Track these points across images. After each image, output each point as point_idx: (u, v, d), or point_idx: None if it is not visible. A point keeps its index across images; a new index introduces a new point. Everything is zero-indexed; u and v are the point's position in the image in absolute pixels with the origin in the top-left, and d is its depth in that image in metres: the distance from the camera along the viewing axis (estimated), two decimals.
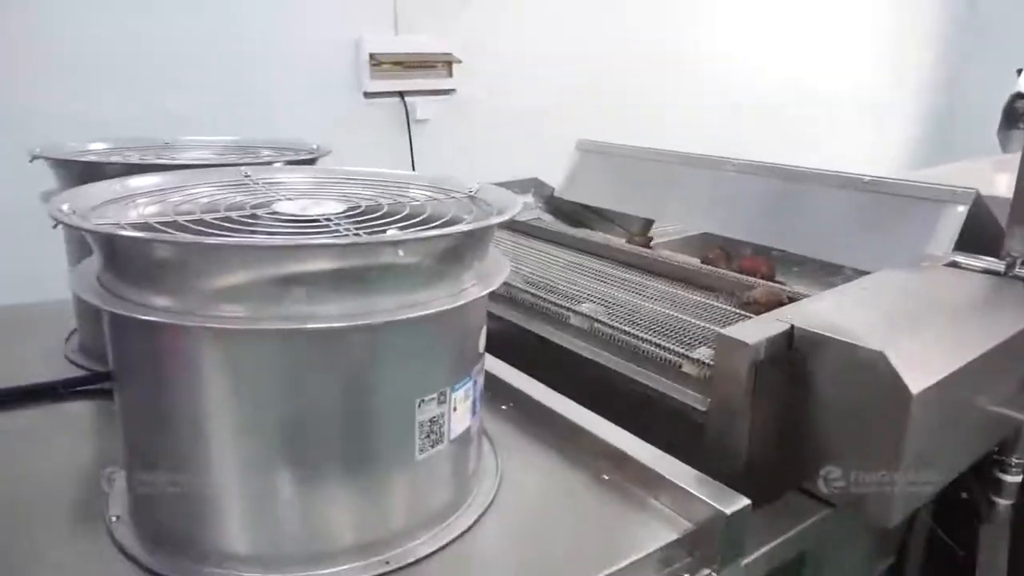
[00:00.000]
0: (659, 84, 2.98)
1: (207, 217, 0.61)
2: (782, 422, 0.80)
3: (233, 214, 0.63)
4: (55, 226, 0.58)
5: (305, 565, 0.60)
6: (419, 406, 0.60)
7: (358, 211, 0.66)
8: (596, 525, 0.71)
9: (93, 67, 1.80)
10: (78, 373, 0.96)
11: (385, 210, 0.66)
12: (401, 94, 2.57)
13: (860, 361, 0.72)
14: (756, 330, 0.77)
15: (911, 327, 0.79)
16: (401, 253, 0.53)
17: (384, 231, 0.59)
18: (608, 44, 2.87)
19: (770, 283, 1.13)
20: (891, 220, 1.19)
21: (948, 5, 4.04)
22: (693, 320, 1.00)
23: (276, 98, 2.19)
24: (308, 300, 0.55)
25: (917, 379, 0.70)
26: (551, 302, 1.09)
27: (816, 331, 0.76)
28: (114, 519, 0.66)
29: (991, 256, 1.00)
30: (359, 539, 0.61)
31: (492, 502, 0.71)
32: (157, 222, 0.59)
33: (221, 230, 0.58)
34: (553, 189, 1.75)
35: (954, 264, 1.01)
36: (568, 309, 1.06)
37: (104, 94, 1.81)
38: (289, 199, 0.71)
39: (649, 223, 1.70)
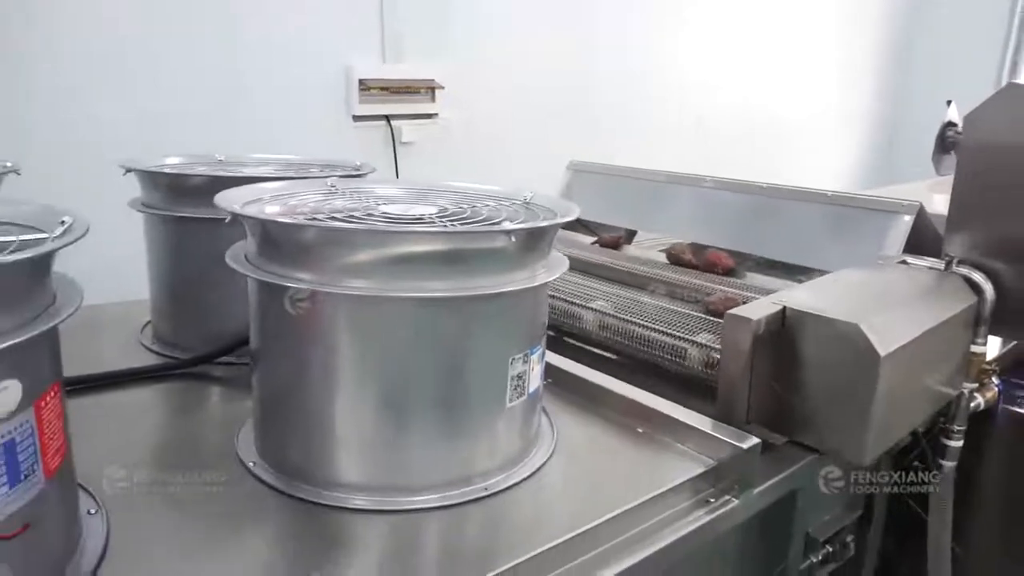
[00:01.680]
0: (635, 107, 3.22)
1: (336, 215, 0.77)
2: (776, 385, 0.98)
3: (354, 213, 0.78)
4: (228, 220, 0.73)
5: (420, 492, 0.75)
6: (511, 362, 0.77)
7: (448, 213, 0.82)
8: (636, 465, 0.88)
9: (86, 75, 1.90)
10: (154, 359, 1.10)
11: (468, 212, 0.83)
12: (387, 118, 2.73)
13: (839, 332, 0.92)
14: (756, 310, 0.96)
15: (876, 307, 0.98)
16: (513, 239, 0.70)
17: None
18: (585, 70, 3.09)
19: (727, 289, 1.30)
20: (849, 228, 1.41)
21: (889, 43, 4.43)
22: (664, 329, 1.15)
23: (271, 120, 2.31)
24: (422, 276, 0.71)
25: (884, 344, 0.90)
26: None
27: (804, 310, 0.95)
28: (252, 464, 0.80)
29: (932, 257, 1.22)
30: (463, 472, 0.77)
31: (553, 451, 0.88)
32: (300, 216, 0.75)
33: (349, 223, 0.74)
34: None
35: (904, 263, 1.23)
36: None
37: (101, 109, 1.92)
38: (384, 204, 0.86)
39: (633, 233, 1.90)
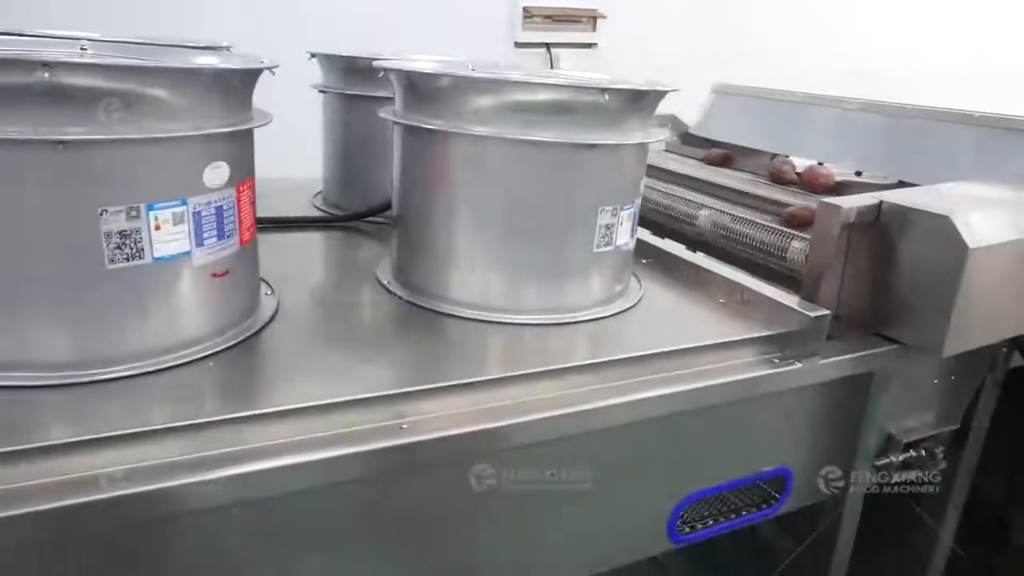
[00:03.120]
0: (792, 48, 3.09)
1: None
2: (865, 277, 1.02)
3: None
4: (381, 74, 0.91)
5: (518, 313, 0.91)
6: (600, 212, 0.89)
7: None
8: (712, 324, 0.97)
9: None
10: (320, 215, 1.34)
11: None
12: (548, 46, 2.85)
13: (931, 224, 0.95)
14: (850, 200, 1.00)
15: (975, 209, 0.98)
16: (607, 97, 0.82)
17: None
18: (743, 6, 3.01)
19: (803, 203, 1.26)
20: (999, 152, 1.35)
21: None
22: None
23: (435, 43, 2.50)
24: (531, 124, 0.85)
25: (974, 239, 0.92)
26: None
27: (899, 203, 0.98)
28: (386, 282, 1.00)
29: None
30: (554, 302, 0.93)
31: (638, 303, 1.00)
32: None
33: None
34: (688, 126, 1.98)
35: None
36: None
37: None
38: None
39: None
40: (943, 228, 0.93)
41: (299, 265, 1.08)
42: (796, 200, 1.31)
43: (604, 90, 0.82)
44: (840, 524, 1.14)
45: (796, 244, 1.15)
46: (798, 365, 0.92)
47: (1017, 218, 1.02)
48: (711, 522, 1.02)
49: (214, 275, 0.75)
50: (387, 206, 1.23)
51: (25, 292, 0.65)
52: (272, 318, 0.85)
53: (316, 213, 1.36)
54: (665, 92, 0.90)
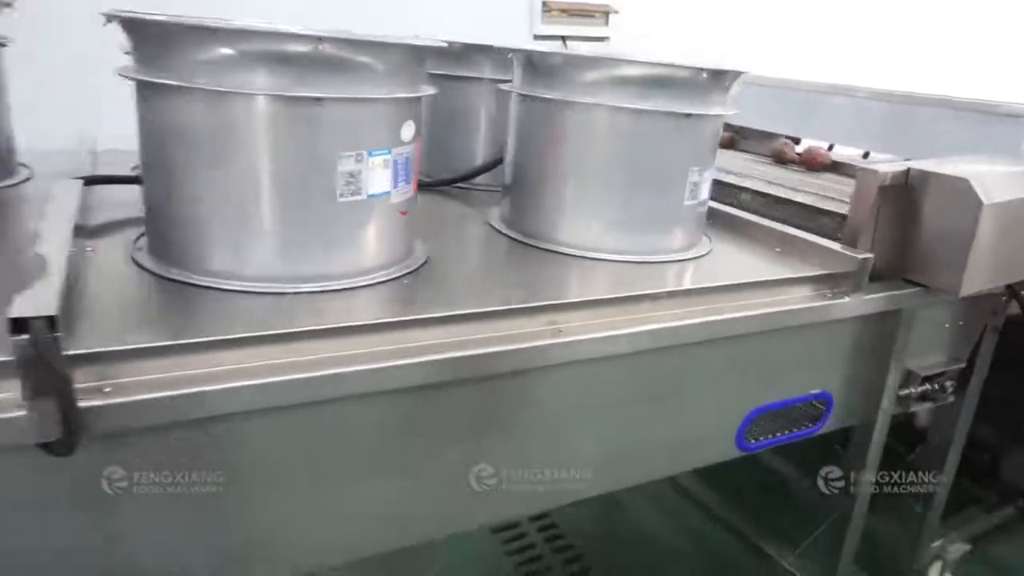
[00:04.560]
0: (800, 40, 3.29)
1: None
2: (893, 231, 1.23)
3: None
4: (510, 55, 1.09)
5: (609, 252, 1.11)
6: (690, 171, 1.09)
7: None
8: (773, 266, 1.17)
9: None
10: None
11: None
12: (563, 38, 3.04)
13: (952, 186, 1.15)
14: (883, 166, 1.21)
15: (985, 175, 1.20)
16: (705, 75, 1.01)
17: None
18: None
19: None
20: (1004, 139, 1.57)
21: None
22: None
23: (455, 34, 2.65)
24: (633, 95, 1.04)
25: (988, 196, 1.13)
26: None
27: (924, 169, 1.19)
28: (500, 227, 1.19)
29: None
30: (644, 246, 1.12)
31: (709, 252, 1.20)
32: None
33: None
34: None
35: None
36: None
37: None
38: None
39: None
40: (962, 188, 1.14)
41: (422, 220, 1.26)
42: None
43: (702, 69, 1.01)
44: (868, 449, 1.35)
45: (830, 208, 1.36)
46: (847, 299, 1.13)
47: (1017, 183, 1.24)
48: (764, 437, 1.21)
49: (401, 213, 0.93)
50: (476, 173, 1.42)
51: (275, 220, 0.83)
52: (423, 264, 1.03)
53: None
54: (742, 72, 1.09)
